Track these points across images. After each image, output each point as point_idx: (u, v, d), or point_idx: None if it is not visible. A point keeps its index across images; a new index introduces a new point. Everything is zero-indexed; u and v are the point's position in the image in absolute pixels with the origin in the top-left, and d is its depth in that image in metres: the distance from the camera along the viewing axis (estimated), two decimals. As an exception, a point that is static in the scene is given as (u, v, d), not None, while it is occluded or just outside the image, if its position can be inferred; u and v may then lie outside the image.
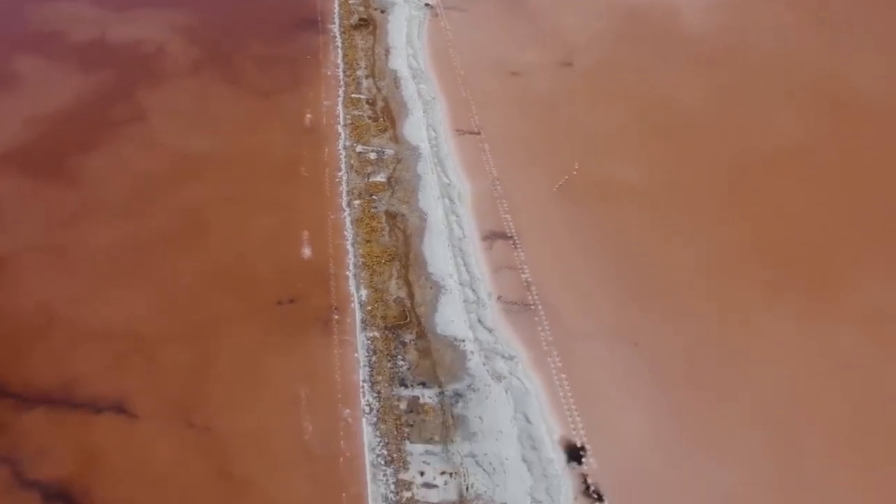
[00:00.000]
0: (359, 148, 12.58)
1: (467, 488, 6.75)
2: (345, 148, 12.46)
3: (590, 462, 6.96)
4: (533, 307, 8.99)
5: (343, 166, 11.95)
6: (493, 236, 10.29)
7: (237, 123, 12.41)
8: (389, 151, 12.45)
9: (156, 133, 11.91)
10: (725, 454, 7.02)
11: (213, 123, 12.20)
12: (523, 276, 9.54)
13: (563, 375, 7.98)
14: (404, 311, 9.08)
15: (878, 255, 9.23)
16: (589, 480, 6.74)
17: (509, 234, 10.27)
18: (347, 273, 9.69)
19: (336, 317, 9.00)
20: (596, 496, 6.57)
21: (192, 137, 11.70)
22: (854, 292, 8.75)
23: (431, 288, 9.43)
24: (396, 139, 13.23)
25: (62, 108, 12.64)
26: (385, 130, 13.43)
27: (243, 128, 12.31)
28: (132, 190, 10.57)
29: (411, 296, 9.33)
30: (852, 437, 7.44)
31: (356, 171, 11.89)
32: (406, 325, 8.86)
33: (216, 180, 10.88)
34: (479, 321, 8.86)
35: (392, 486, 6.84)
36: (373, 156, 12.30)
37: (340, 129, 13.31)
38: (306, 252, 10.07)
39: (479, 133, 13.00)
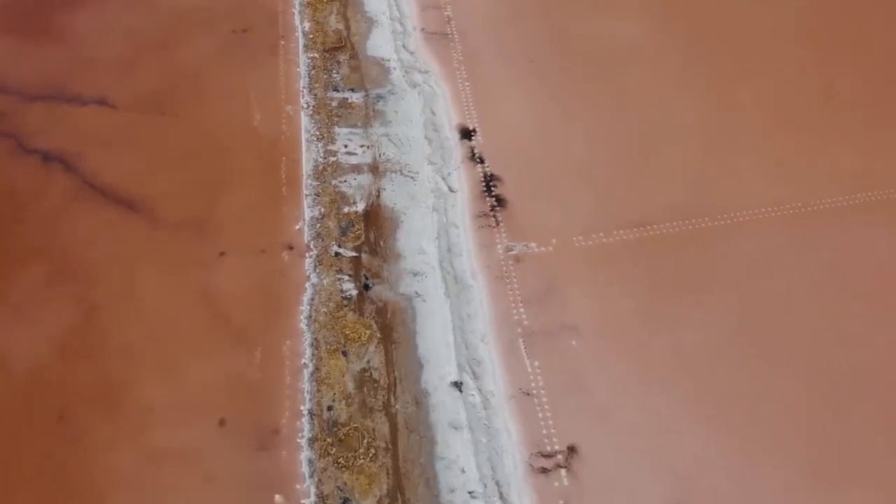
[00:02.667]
0: None
1: (380, 155, 8.60)
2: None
3: (478, 139, 8.78)
4: (450, 36, 10.54)
5: (294, -75, 13.01)
6: (424, -17, 11.65)
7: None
8: (338, -87, 13.44)
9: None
10: (589, 127, 8.78)
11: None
12: (446, 13, 11.00)
13: (468, 84, 9.66)
14: (341, 38, 10.62)
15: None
16: (475, 150, 8.58)
17: (439, -19, 11.64)
18: (293, 10, 11.08)
19: (282, 42, 10.51)
20: (479, 161, 8.44)
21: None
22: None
23: (365, 22, 10.90)
24: None
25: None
26: None
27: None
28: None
29: (348, 28, 10.83)
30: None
31: (305, -70, 12.98)
32: (341, 49, 10.44)
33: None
34: (404, 46, 10.44)
35: (322, 154, 8.69)
36: (322, -84, 13.32)
37: None
38: (258, -6, 11.44)
39: None
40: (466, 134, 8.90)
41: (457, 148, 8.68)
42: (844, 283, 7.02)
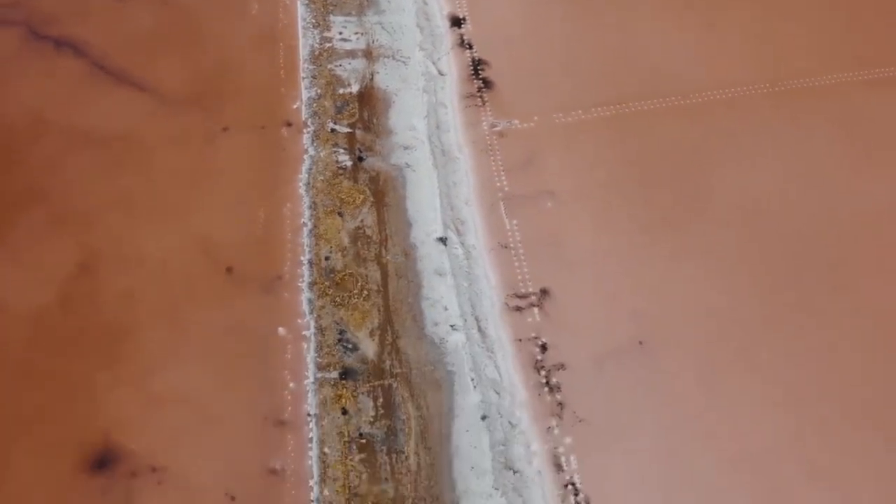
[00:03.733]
0: None
1: (373, 42, 9.01)
2: None
3: (467, 27, 9.16)
4: (444, -68, 10.83)
5: None
6: None
7: None
8: None
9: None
10: (572, 14, 9.15)
11: None
12: None
13: (457, -19, 10.03)
14: (336, -66, 10.92)
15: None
16: (464, 37, 8.95)
17: None
18: None
19: (278, -55, 10.81)
20: (468, 47, 8.85)
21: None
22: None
23: (360, -81, 11.19)
24: None
25: None
26: None
27: None
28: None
29: (343, -76, 11.11)
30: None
31: None
32: (336, -57, 10.74)
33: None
34: (397, -60, 10.74)
35: (317, 40, 9.10)
36: None
37: None
38: None
39: None
40: (456, 22, 9.27)
41: (447, 35, 9.09)
42: (811, 159, 7.54)
